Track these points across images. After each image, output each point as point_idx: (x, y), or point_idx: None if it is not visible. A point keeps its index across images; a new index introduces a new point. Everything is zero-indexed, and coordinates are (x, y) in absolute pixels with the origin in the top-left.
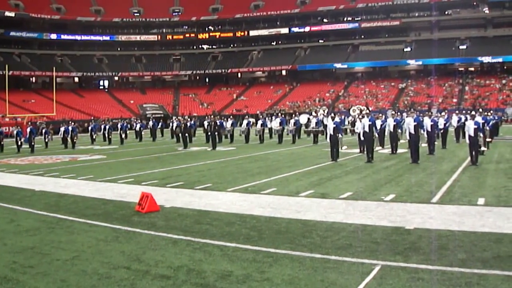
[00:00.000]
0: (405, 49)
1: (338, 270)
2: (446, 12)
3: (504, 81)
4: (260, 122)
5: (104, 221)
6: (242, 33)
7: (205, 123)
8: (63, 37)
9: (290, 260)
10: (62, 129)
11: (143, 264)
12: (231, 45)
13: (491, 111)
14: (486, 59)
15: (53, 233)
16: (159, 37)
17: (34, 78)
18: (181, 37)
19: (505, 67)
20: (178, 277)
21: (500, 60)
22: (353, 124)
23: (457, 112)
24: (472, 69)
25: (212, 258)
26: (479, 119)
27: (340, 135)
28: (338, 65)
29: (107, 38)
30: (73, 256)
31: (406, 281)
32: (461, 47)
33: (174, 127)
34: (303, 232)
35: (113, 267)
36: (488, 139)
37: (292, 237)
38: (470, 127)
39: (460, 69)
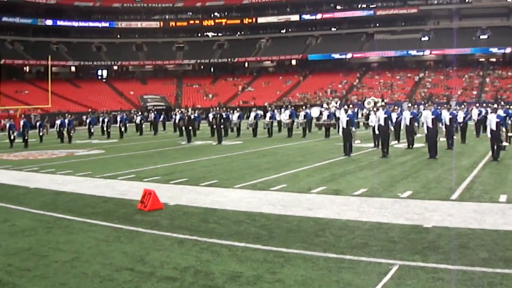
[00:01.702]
0: (422, 39)
1: (354, 270)
2: (467, 0)
3: None
4: (268, 114)
5: (104, 220)
6: (250, 20)
7: (210, 115)
8: (59, 23)
9: (303, 260)
10: (57, 122)
11: (147, 266)
12: (238, 33)
13: None
14: (509, 50)
15: (50, 233)
16: (162, 23)
17: (27, 67)
18: (185, 24)
19: None
20: (185, 279)
21: None
22: (367, 117)
23: (477, 105)
24: (494, 60)
25: (220, 259)
26: (501, 112)
27: (353, 129)
28: (352, 55)
29: (106, 24)
30: (73, 257)
31: (425, 281)
32: (482, 36)
33: (177, 120)
34: (315, 231)
35: (115, 269)
36: (510, 134)
37: (304, 236)
38: (491, 120)
39: (480, 60)
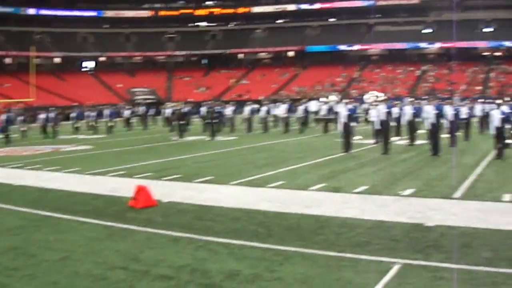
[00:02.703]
0: (424, 31)
1: (354, 269)
2: None
3: None
4: (264, 109)
5: (95, 217)
6: (244, 10)
7: (203, 109)
8: (43, 12)
9: (302, 258)
10: (42, 116)
11: (141, 264)
12: (232, 23)
13: None
14: None
15: (38, 232)
16: (152, 13)
17: (9, 58)
18: (176, 13)
19: None
20: (181, 278)
21: None
22: (367, 112)
23: (481, 100)
24: (498, 54)
25: (217, 257)
26: (505, 108)
27: (354, 124)
28: (351, 47)
29: (93, 13)
30: (63, 256)
31: (428, 280)
32: (486, 29)
33: (167, 114)
34: (315, 229)
35: (108, 267)
36: None
37: (304, 234)
38: (496, 117)
39: (485, 53)
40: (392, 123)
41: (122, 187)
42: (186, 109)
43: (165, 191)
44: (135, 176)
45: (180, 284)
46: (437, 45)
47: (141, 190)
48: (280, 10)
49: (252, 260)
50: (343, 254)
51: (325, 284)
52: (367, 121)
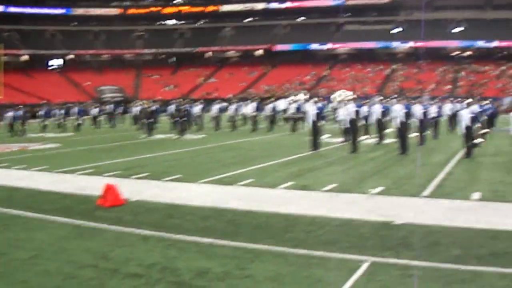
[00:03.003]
0: (394, 30)
1: (324, 266)
2: None
3: (503, 68)
4: (232, 107)
5: (64, 216)
6: (213, 8)
7: (171, 108)
8: (11, 9)
9: (272, 256)
10: (9, 114)
11: (111, 262)
12: (201, 21)
13: (489, 100)
14: (484, 43)
15: (7, 231)
16: (121, 10)
17: None
18: (145, 11)
19: (504, 53)
20: (151, 276)
21: (497, 44)
22: (335, 110)
23: (450, 99)
24: (468, 53)
25: (187, 255)
26: (475, 107)
27: (322, 122)
28: (320, 46)
29: (62, 11)
30: (33, 254)
31: (397, 277)
32: (456, 29)
33: (135, 112)
34: (284, 227)
35: (78, 266)
36: (484, 130)
37: (273, 232)
38: (465, 116)
39: (454, 53)
40: (361, 122)
41: (91, 185)
42: (154, 107)
43: (134, 189)
44: (104, 175)
45: (150, 282)
46: (407, 44)
47: (109, 189)
48: (249, 8)
49: (222, 258)
50: (312, 252)
51: (295, 281)
52: (335, 120)
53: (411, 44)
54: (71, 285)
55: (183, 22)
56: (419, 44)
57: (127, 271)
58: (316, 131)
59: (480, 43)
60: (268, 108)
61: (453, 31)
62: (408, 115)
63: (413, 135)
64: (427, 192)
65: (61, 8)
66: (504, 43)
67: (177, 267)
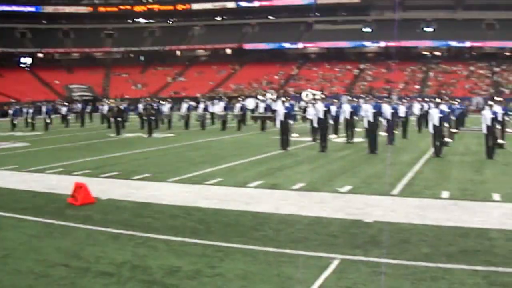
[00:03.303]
0: (364, 30)
1: (294, 264)
2: None
3: (472, 68)
4: (201, 106)
5: (34, 215)
6: (183, 6)
7: (140, 106)
8: None
9: (242, 254)
10: None
11: (82, 261)
12: (171, 20)
13: (458, 100)
14: (454, 44)
15: None
16: (91, 9)
17: None
18: (115, 9)
19: (473, 53)
20: (122, 274)
21: (468, 45)
22: (304, 110)
23: (419, 99)
24: (438, 53)
25: (158, 253)
26: (444, 107)
27: (291, 122)
28: (289, 45)
29: (32, 9)
30: (4, 254)
31: (367, 275)
32: (426, 29)
33: (105, 111)
34: (254, 225)
35: (50, 265)
36: (453, 130)
37: (243, 230)
38: (434, 115)
39: (424, 53)
40: (330, 121)
41: (61, 184)
42: (123, 106)
43: (104, 188)
44: (73, 173)
45: (121, 280)
46: (377, 44)
47: (79, 188)
48: (219, 7)
49: (193, 256)
50: (282, 250)
51: (265, 279)
52: (304, 119)
53: (381, 44)
54: (43, 284)
55: (153, 20)
56: (389, 44)
57: (98, 270)
58: (285, 130)
59: (451, 43)
60: (237, 107)
61: (424, 30)
62: (377, 114)
63: (382, 134)
64: (396, 191)
65: (30, 6)
66: (474, 44)
67: (148, 265)
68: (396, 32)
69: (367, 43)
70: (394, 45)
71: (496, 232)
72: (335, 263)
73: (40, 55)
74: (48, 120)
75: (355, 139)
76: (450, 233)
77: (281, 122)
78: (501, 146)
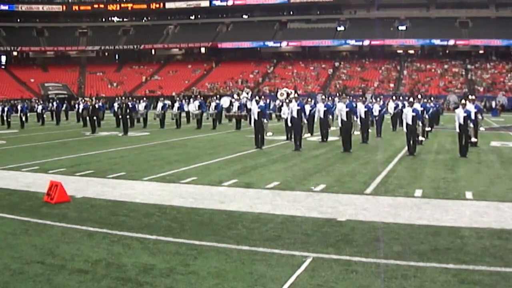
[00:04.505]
0: (338, 28)
1: (267, 263)
2: None
3: (446, 66)
4: (176, 105)
5: (10, 213)
6: (157, 5)
7: (115, 105)
8: None
9: (216, 253)
10: None
11: (58, 258)
12: (145, 18)
13: (432, 98)
14: (427, 42)
15: None
16: (64, 7)
17: None
18: (89, 8)
19: (447, 51)
20: (96, 271)
21: (442, 43)
22: (279, 109)
23: (394, 98)
24: (412, 52)
25: (132, 251)
26: (418, 106)
27: (265, 120)
28: (264, 44)
29: (5, 7)
30: None
31: (339, 273)
32: (400, 27)
33: (80, 110)
34: (228, 224)
35: (25, 262)
36: (427, 128)
37: (217, 229)
38: (408, 114)
39: (398, 51)
40: (304, 120)
41: (36, 182)
42: (98, 104)
43: (79, 186)
44: (49, 172)
45: (96, 278)
46: (351, 42)
47: (55, 186)
48: (193, 6)
49: (167, 254)
50: (256, 248)
51: (239, 277)
52: (279, 117)
53: (355, 42)
54: (19, 281)
55: (127, 19)
56: (363, 42)
57: (74, 267)
58: (259, 129)
59: (424, 42)
60: (212, 106)
61: (398, 29)
62: (351, 113)
63: (356, 133)
64: (369, 189)
65: (4, 4)
66: (447, 42)
67: (122, 263)
68: (370, 30)
69: (341, 42)
70: (368, 43)
71: (468, 230)
72: (308, 262)
73: (14, 53)
74: (23, 119)
75: (330, 138)
76: (422, 232)
77: (255, 120)
78: (474, 144)
